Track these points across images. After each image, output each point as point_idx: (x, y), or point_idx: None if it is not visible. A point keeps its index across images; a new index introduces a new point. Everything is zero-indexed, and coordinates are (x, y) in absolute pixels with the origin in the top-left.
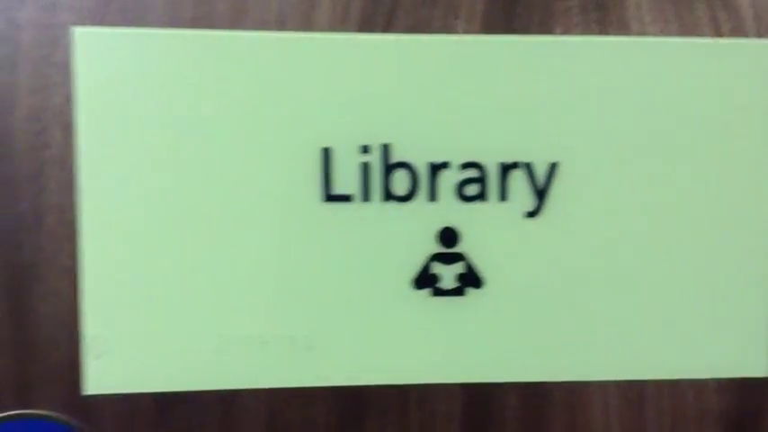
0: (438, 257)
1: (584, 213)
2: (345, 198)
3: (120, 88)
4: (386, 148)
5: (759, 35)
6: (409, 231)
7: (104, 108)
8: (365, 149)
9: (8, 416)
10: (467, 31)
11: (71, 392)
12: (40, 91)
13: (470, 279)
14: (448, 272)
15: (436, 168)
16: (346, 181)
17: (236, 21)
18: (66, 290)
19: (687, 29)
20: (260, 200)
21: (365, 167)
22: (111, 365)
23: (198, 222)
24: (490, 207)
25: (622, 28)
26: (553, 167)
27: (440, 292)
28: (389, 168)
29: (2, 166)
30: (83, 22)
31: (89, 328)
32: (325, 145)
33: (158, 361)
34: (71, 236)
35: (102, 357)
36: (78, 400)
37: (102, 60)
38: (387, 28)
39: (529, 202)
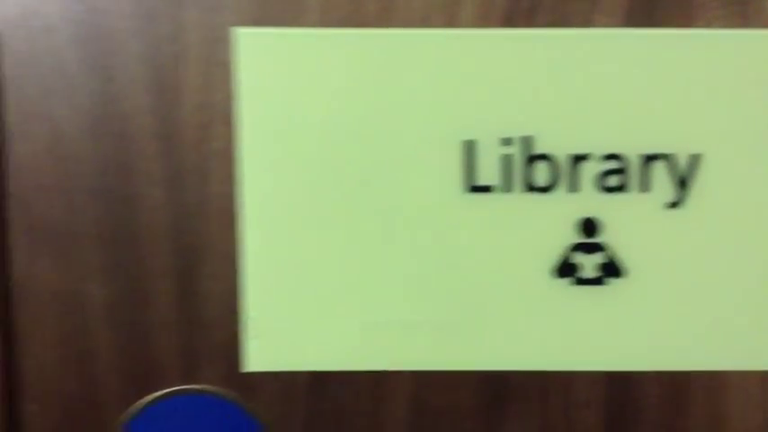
0: (579, 247)
1: (726, 204)
2: (487, 189)
3: (278, 85)
4: (527, 141)
5: None
6: (550, 221)
7: (264, 104)
8: (507, 142)
9: (174, 391)
10: (608, 25)
11: (231, 369)
12: (204, 88)
13: (611, 269)
14: (589, 261)
15: (577, 160)
16: (488, 172)
17: (383, 19)
18: (228, 273)
19: None
20: (406, 190)
21: (507, 159)
22: (268, 344)
23: (348, 211)
24: (631, 198)
25: (764, 19)
26: (695, 159)
27: (581, 282)
28: (531, 160)
29: (171, 158)
30: (243, 23)
31: (249, 310)
32: (467, 138)
33: (312, 341)
34: (233, 223)
35: (260, 337)
36: (238, 377)
37: (262, 59)
38: (529, 23)
39: (671, 193)
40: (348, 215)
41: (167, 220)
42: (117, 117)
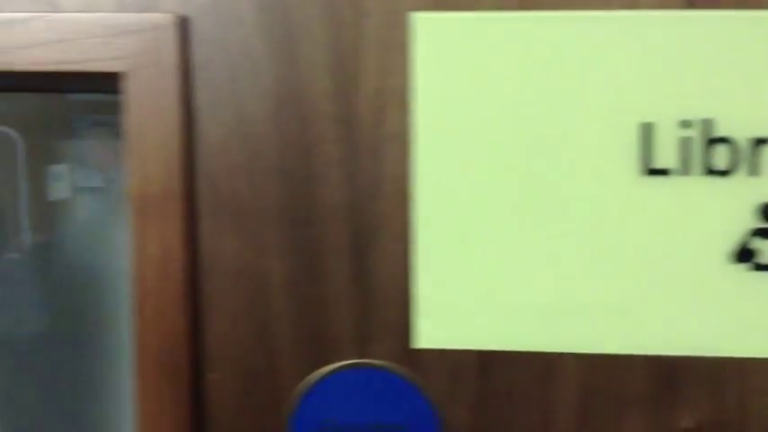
0: (759, 232)
1: None
2: (664, 172)
3: (454, 69)
4: (707, 123)
5: None
6: (729, 206)
7: (439, 87)
8: (686, 124)
9: (348, 364)
10: None
11: (402, 346)
12: (381, 72)
13: None
14: None
15: (759, 143)
16: (666, 155)
17: (562, 1)
18: (400, 253)
19: None
20: (580, 173)
21: (685, 142)
22: (439, 323)
23: (520, 194)
24: None
25: None
26: None
27: (759, 267)
28: (710, 143)
29: (348, 140)
30: (421, 8)
31: (420, 288)
32: (645, 120)
33: (482, 321)
34: (405, 204)
35: (431, 315)
36: (409, 354)
37: (438, 43)
38: (712, 4)
39: None
40: (520, 197)
41: (343, 200)
42: (299, 101)
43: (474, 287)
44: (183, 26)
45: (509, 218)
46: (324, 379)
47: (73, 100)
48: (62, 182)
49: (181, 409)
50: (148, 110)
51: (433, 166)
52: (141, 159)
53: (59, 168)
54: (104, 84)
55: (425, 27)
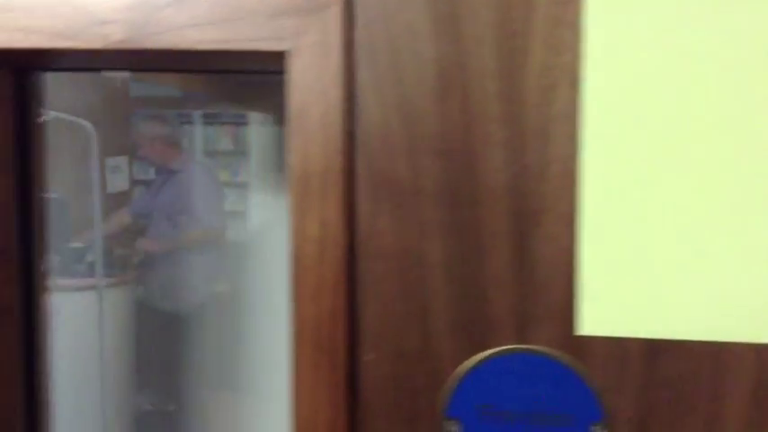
0: None
1: None
2: None
3: (626, 46)
4: None
5: None
6: None
7: (610, 66)
8: None
9: (507, 349)
10: None
11: (564, 332)
12: (551, 49)
13: None
14: None
15: None
16: None
17: None
18: (565, 235)
19: None
20: (762, 155)
21: None
22: (604, 308)
23: (695, 177)
24: None
25: None
26: None
27: None
28: None
29: (512, 120)
30: None
31: (585, 273)
32: None
33: (650, 308)
34: (572, 185)
35: (595, 300)
36: (571, 340)
37: (611, 19)
38: None
39: None
40: (695, 180)
41: (506, 182)
42: (462, 79)
43: (643, 272)
44: (349, 4)
45: (682, 201)
46: (482, 363)
47: (135, 94)
48: (120, 174)
49: (336, 388)
50: (311, 89)
51: (602, 146)
52: (303, 138)
53: (118, 161)
54: (268, 63)
55: (598, 2)
